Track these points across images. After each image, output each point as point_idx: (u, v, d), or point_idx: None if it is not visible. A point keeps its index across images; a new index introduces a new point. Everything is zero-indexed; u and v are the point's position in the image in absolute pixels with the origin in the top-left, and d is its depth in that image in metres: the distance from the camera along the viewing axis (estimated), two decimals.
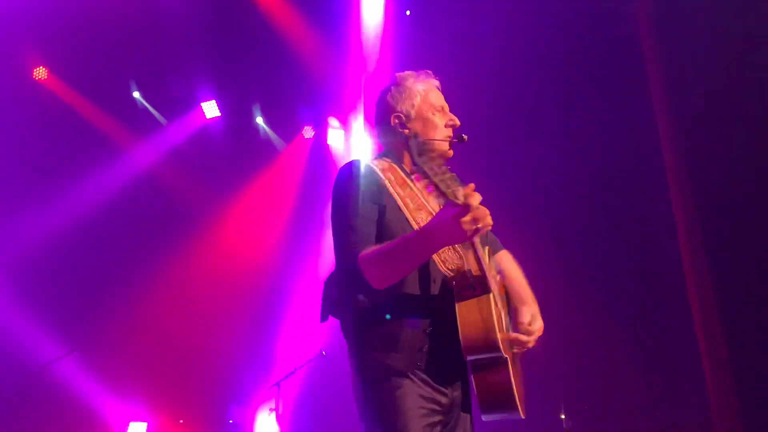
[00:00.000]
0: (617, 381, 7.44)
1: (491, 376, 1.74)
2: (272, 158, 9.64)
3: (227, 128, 9.30)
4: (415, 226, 1.84)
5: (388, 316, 1.82)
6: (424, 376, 1.81)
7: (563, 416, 6.08)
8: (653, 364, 7.34)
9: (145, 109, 9.01)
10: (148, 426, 7.39)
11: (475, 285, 1.74)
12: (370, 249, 1.79)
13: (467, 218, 1.56)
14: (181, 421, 7.60)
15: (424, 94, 2.00)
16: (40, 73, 8.46)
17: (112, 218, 8.50)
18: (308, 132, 9.57)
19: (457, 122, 2.03)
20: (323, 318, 2.06)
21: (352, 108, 9.42)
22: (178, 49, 8.37)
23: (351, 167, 1.91)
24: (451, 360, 1.84)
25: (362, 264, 1.77)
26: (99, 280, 8.35)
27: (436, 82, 2.07)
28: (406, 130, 1.96)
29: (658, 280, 7.60)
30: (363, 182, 1.86)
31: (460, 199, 1.56)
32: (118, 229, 8.59)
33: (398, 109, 2.00)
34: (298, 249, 9.37)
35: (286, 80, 8.83)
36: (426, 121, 1.94)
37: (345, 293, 1.89)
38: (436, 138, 1.93)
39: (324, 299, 2.02)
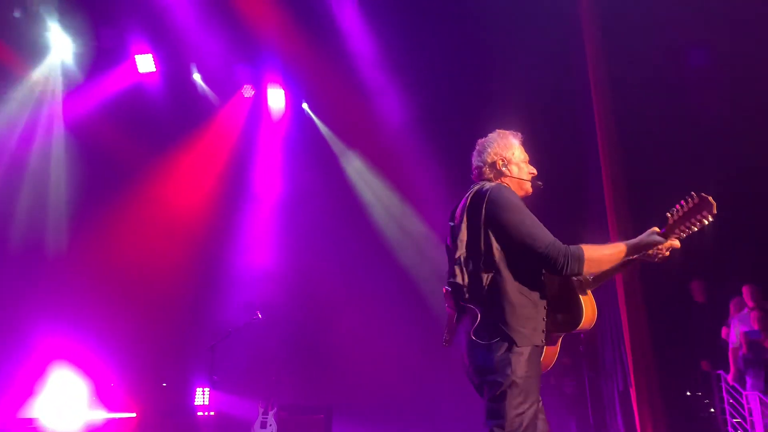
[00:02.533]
0: None
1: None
2: (210, 116, 9.37)
3: (162, 84, 8.93)
4: None
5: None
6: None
7: None
8: None
9: (75, 58, 8.51)
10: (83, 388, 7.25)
11: (587, 285, 2.59)
12: (590, 247, 2.47)
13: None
14: (112, 384, 7.47)
15: (519, 147, 2.73)
16: None
17: (41, 174, 8.11)
18: (248, 91, 9.34)
19: (535, 172, 2.75)
20: (466, 299, 2.57)
21: (294, 69, 9.24)
22: None
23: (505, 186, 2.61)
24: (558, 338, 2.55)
25: (589, 257, 2.42)
26: (28, 238, 7.99)
27: (521, 138, 2.78)
28: (506, 170, 2.68)
29: None
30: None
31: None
32: (45, 186, 8.21)
33: (500, 154, 2.69)
34: (235, 209, 9.26)
35: (225, 38, 8.53)
36: (519, 167, 2.70)
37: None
38: (524, 179, 2.69)
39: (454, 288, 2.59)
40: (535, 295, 2.45)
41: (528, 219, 2.45)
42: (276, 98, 9.56)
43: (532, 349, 2.38)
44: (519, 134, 2.75)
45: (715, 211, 2.37)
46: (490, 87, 8.77)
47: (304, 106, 9.89)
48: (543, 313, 2.46)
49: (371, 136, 9.18)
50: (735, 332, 6.25)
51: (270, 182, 9.50)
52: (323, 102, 9.73)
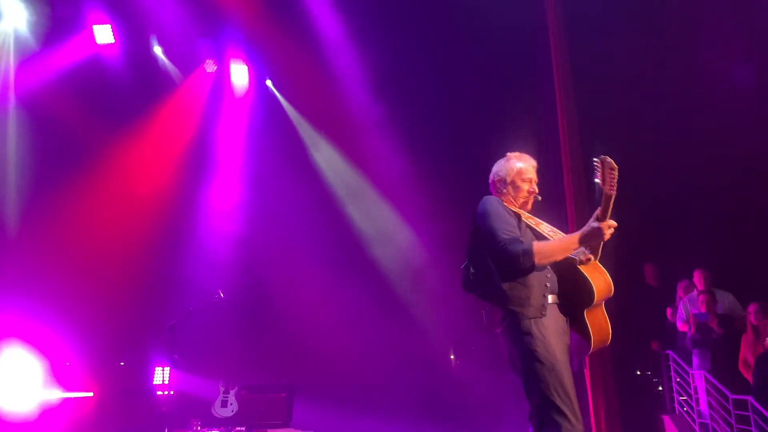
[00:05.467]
0: None
1: (599, 316, 2.82)
2: (171, 91, 9.17)
3: (121, 56, 8.67)
4: (542, 233, 2.91)
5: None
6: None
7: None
8: None
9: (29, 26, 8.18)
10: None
11: (591, 256, 2.85)
12: (539, 243, 2.78)
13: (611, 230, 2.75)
14: (68, 363, 7.34)
15: (518, 169, 3.11)
16: None
17: None
18: (210, 66, 9.15)
19: (535, 190, 3.12)
20: (468, 290, 2.97)
21: (258, 44, 9.09)
22: None
23: (494, 198, 3.04)
24: (565, 310, 2.85)
25: (537, 252, 2.73)
26: None
27: (534, 163, 3.17)
28: (504, 190, 3.12)
29: None
30: (502, 204, 2.97)
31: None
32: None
33: (501, 177, 3.14)
34: (197, 186, 9.13)
35: (187, 10, 8.32)
36: (516, 187, 3.09)
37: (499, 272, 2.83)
38: (520, 197, 3.09)
39: (466, 278, 2.97)
40: (525, 279, 2.79)
41: (497, 222, 2.83)
42: (239, 74, 9.40)
43: (536, 323, 2.74)
44: (526, 157, 3.18)
45: (614, 165, 2.67)
46: (457, 61, 8.80)
47: (268, 83, 9.76)
48: (539, 290, 2.80)
49: (335, 114, 9.13)
50: (684, 310, 6.50)
51: (232, 160, 9.38)
52: (288, 79, 9.61)
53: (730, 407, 5.67)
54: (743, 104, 7.47)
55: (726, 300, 6.50)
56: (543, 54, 7.73)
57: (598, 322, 2.81)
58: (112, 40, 8.44)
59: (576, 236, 2.78)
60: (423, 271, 8.74)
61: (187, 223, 8.91)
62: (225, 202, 9.20)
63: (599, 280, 2.77)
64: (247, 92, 9.52)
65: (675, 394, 6.83)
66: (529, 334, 2.71)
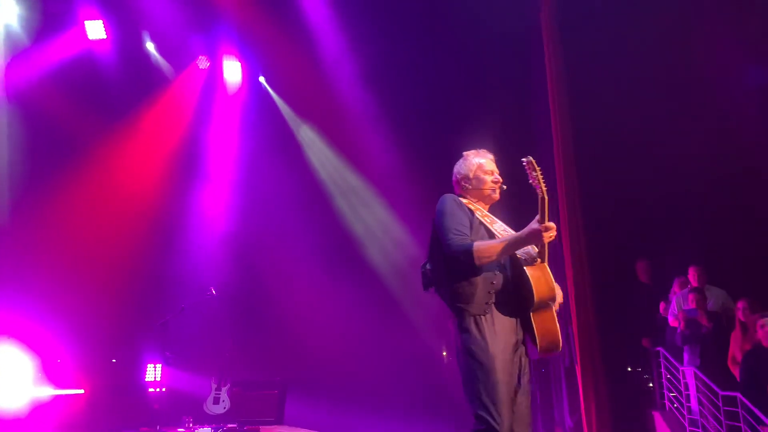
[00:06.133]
0: None
1: (547, 319, 2.77)
2: (163, 87, 9.13)
3: (114, 52, 8.63)
4: (494, 232, 2.94)
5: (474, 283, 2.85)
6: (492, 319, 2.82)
7: None
8: None
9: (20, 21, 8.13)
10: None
11: (536, 256, 2.84)
12: (480, 242, 2.82)
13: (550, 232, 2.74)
14: (59, 361, 7.32)
15: (478, 164, 3.18)
16: None
17: None
18: (203, 62, 9.12)
19: (499, 179, 3.16)
20: (426, 288, 3.07)
21: (251, 41, 9.07)
22: None
23: (451, 196, 3.09)
24: (512, 310, 2.85)
25: (477, 250, 2.76)
26: None
27: (491, 156, 3.23)
28: (467, 185, 3.18)
29: None
30: (459, 202, 3.04)
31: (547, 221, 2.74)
32: None
33: (463, 174, 3.20)
34: (189, 183, 9.11)
35: (180, 6, 8.29)
36: (479, 180, 3.15)
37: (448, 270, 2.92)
38: (486, 189, 3.14)
39: (423, 276, 3.07)
40: (472, 277, 2.84)
41: (448, 220, 2.92)
42: (232, 71, 9.38)
43: (476, 319, 2.80)
44: (483, 152, 3.24)
45: (536, 166, 2.78)
46: (450, 62, 8.84)
47: (261, 79, 9.73)
48: (485, 288, 2.84)
49: (329, 112, 9.13)
50: (677, 305, 6.55)
51: (225, 157, 9.36)
52: (281, 76, 9.60)
53: (720, 403, 5.71)
54: (737, 102, 7.52)
55: (719, 297, 6.54)
56: (536, 49, 7.75)
57: (546, 327, 2.77)
58: (104, 36, 8.39)
59: (516, 237, 2.81)
60: (416, 267, 8.75)
61: (179, 219, 8.89)
62: (217, 199, 9.18)
63: (541, 281, 2.76)
64: (240, 89, 9.50)
65: (665, 391, 6.88)
66: (468, 331, 2.78)
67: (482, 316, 2.79)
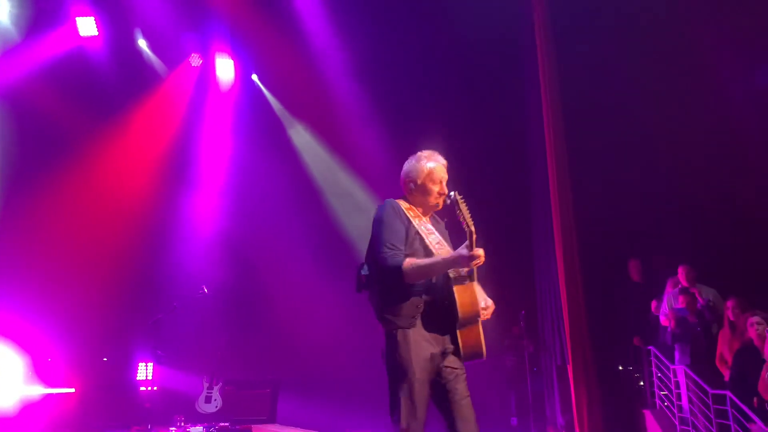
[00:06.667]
0: None
1: (472, 332, 2.92)
2: (156, 85, 9.09)
3: (105, 49, 8.58)
4: (429, 245, 2.98)
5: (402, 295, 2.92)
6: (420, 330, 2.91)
7: None
8: None
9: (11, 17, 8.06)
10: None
11: (466, 276, 2.93)
12: (411, 260, 2.88)
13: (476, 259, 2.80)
14: (50, 359, 7.27)
15: (428, 170, 3.13)
16: None
17: None
18: (195, 60, 9.08)
19: (445, 191, 3.11)
20: (359, 290, 3.16)
21: (243, 38, 9.04)
22: None
23: (392, 202, 3.10)
24: (440, 324, 2.93)
25: (406, 270, 2.85)
26: None
27: (444, 161, 3.18)
28: (413, 188, 3.16)
29: None
30: (398, 211, 3.05)
31: (475, 249, 2.79)
32: None
33: (411, 177, 3.16)
34: (181, 182, 9.07)
35: (172, 2, 8.25)
36: (425, 188, 3.13)
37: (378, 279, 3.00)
38: (430, 199, 3.12)
39: (358, 278, 3.14)
40: (401, 290, 2.91)
41: (384, 232, 2.97)
42: (225, 68, 9.34)
43: (403, 332, 2.88)
44: (436, 156, 3.19)
45: (458, 198, 2.85)
46: (442, 61, 8.85)
47: (254, 77, 9.71)
48: (413, 302, 2.91)
49: (321, 109, 9.11)
50: (668, 304, 6.59)
51: (217, 155, 9.34)
52: (273, 74, 9.57)
53: (710, 402, 5.75)
54: (731, 103, 7.57)
55: (709, 296, 6.59)
56: (529, 49, 7.77)
57: (470, 339, 2.93)
58: (96, 33, 8.35)
59: (444, 260, 2.89)
60: None
61: (170, 217, 8.85)
62: (209, 196, 9.15)
63: (465, 300, 2.88)
64: (233, 86, 9.47)
65: (656, 389, 6.92)
66: (393, 339, 2.88)
67: (407, 329, 2.89)
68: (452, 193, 2.87)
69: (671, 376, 6.52)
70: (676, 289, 6.63)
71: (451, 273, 2.94)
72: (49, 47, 8.28)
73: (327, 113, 9.04)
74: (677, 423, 6.38)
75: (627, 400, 7.56)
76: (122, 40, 8.70)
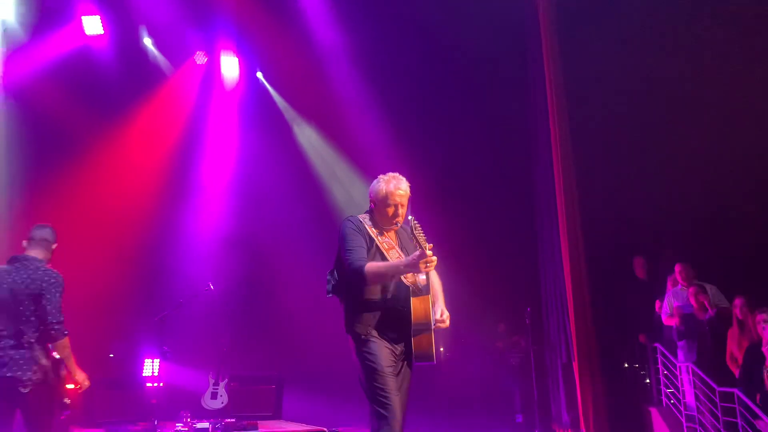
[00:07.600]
0: None
1: (424, 338, 3.18)
2: (161, 83, 9.12)
3: (111, 47, 8.61)
4: (389, 259, 3.26)
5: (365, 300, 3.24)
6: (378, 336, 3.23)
7: None
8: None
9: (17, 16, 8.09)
10: None
11: (422, 290, 3.23)
12: (372, 264, 3.16)
13: (426, 263, 3.00)
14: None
15: (384, 194, 3.33)
16: None
17: None
18: (200, 58, 9.10)
19: (400, 218, 3.35)
20: (329, 293, 3.47)
21: (248, 36, 9.06)
22: None
23: (354, 219, 3.37)
24: (397, 329, 3.23)
25: (367, 272, 3.11)
26: None
27: (404, 186, 3.37)
28: (374, 206, 3.40)
29: None
30: (359, 227, 3.32)
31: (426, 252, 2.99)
32: None
33: (372, 197, 3.40)
34: (187, 179, 9.10)
35: (177, 1, 8.27)
36: (381, 209, 3.35)
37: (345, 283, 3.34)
38: (386, 220, 3.35)
39: (328, 282, 3.46)
40: (365, 295, 3.20)
41: (347, 242, 3.24)
42: (229, 66, 9.37)
43: (365, 335, 3.17)
44: (397, 180, 3.37)
45: (413, 224, 3.04)
46: (445, 59, 8.84)
47: (259, 75, 9.72)
48: (377, 305, 3.20)
49: (326, 107, 9.12)
50: (668, 305, 6.56)
51: (222, 152, 9.36)
52: (278, 71, 9.59)
53: (717, 399, 5.72)
54: (732, 102, 7.53)
55: (710, 292, 6.55)
56: (534, 44, 7.75)
57: (422, 345, 3.18)
58: (102, 32, 8.38)
59: (398, 264, 3.15)
60: None
61: (177, 214, 8.88)
62: (215, 194, 9.17)
63: (419, 311, 3.16)
64: (238, 84, 9.49)
65: (662, 387, 6.89)
66: (361, 342, 3.19)
67: (368, 335, 3.19)
68: (410, 218, 3.08)
69: (677, 373, 6.49)
70: (676, 288, 6.61)
71: (412, 288, 3.20)
72: (55, 46, 8.31)
73: (331, 111, 9.05)
74: (683, 421, 6.36)
75: (633, 397, 7.54)
76: (128, 38, 8.73)
